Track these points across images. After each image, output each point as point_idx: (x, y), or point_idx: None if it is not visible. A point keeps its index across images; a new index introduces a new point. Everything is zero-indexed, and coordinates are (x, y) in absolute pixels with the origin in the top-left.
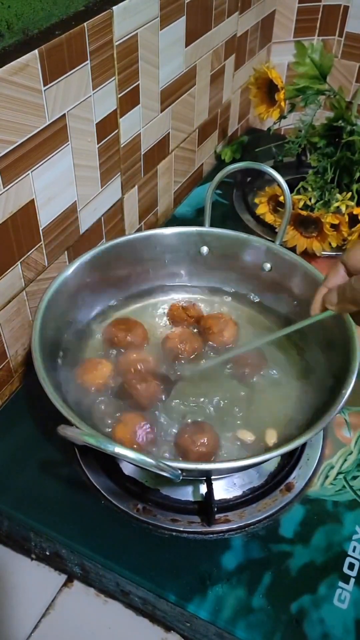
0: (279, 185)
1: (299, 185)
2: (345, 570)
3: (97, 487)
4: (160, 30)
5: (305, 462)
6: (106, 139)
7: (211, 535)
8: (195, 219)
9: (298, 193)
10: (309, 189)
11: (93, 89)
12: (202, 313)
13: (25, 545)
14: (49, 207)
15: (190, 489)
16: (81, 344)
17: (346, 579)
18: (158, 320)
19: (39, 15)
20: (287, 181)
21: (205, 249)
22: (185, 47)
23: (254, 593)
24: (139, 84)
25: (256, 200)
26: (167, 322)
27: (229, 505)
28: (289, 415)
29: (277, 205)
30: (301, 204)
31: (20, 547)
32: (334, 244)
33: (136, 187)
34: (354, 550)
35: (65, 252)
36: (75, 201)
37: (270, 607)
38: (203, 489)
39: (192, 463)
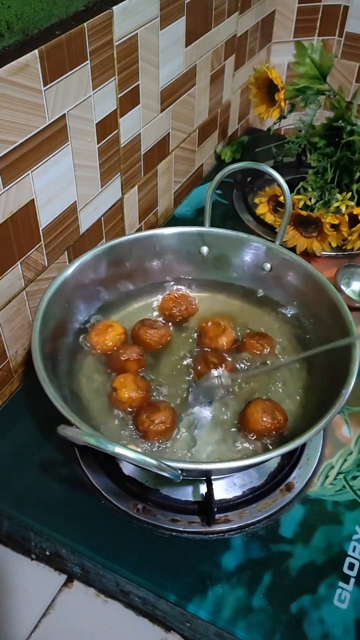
0: (279, 185)
1: (299, 185)
2: (345, 570)
3: (97, 487)
4: (160, 30)
5: (305, 462)
6: (106, 139)
7: (211, 535)
8: (195, 219)
9: (298, 193)
10: (309, 189)
11: (93, 89)
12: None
13: (25, 545)
14: (49, 207)
15: (190, 489)
16: (81, 344)
17: (346, 579)
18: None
19: (39, 15)
20: (287, 181)
21: (205, 249)
22: (185, 47)
23: (254, 593)
24: (139, 84)
25: (256, 200)
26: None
27: (229, 505)
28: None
29: (277, 205)
30: (301, 204)
31: (20, 547)
32: (334, 244)
33: (136, 187)
34: (354, 550)
35: (65, 252)
36: (75, 201)
37: (270, 607)
38: (203, 489)
39: (192, 463)
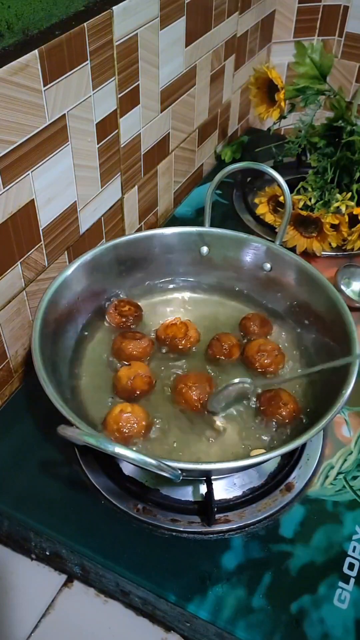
0: (279, 185)
1: (299, 185)
2: (345, 570)
3: (97, 487)
4: (160, 30)
5: (305, 462)
6: (106, 139)
7: (211, 535)
8: (195, 219)
9: (298, 193)
10: (309, 189)
11: (93, 89)
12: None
13: (25, 545)
14: (49, 207)
15: (190, 489)
16: (81, 344)
17: (346, 579)
18: (158, 320)
19: (39, 15)
20: (287, 181)
21: (205, 249)
22: (185, 47)
23: (254, 593)
24: (139, 84)
25: (256, 200)
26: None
27: (229, 505)
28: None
29: (277, 205)
30: (301, 204)
31: (20, 547)
32: (334, 244)
33: (136, 187)
34: (354, 550)
35: (65, 252)
36: (75, 201)
37: (270, 607)
38: (203, 489)
39: (192, 463)
